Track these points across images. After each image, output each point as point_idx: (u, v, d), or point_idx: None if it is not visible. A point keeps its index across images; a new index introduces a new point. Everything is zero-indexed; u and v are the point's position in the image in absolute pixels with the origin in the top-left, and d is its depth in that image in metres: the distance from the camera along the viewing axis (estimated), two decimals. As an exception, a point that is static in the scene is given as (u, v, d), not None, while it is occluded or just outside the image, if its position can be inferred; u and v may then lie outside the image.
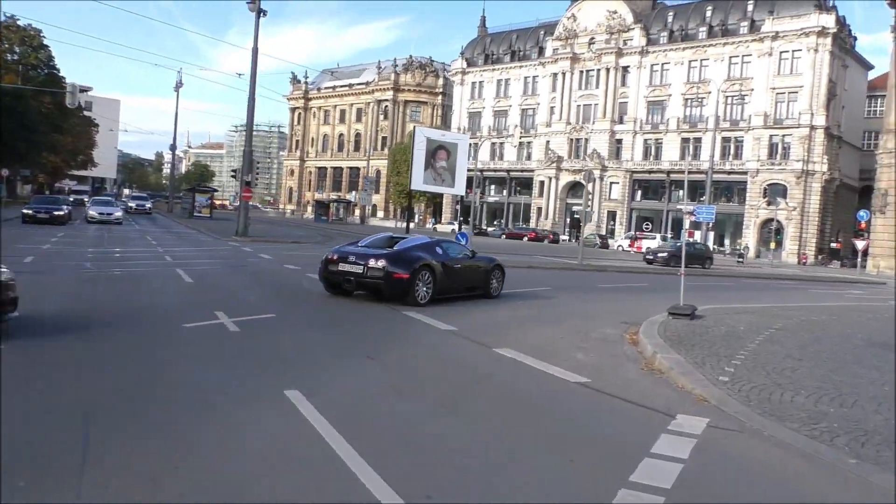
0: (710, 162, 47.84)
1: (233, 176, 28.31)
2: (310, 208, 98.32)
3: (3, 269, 7.09)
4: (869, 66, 69.27)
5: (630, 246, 52.73)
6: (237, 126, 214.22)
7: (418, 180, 57.82)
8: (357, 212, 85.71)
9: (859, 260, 40.89)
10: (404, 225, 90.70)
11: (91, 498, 3.57)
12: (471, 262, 13.54)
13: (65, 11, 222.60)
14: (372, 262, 11.54)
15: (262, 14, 29.34)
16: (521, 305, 13.43)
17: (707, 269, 33.30)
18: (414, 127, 62.98)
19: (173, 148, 60.23)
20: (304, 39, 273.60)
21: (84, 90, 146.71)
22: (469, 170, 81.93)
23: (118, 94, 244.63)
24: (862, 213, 40.65)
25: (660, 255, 30.86)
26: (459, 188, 56.29)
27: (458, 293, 12.97)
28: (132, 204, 51.23)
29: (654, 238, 55.41)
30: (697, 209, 48.60)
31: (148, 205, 51.46)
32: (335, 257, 12.07)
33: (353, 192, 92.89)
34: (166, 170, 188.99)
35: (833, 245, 60.92)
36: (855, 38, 65.45)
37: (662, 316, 11.78)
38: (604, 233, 66.63)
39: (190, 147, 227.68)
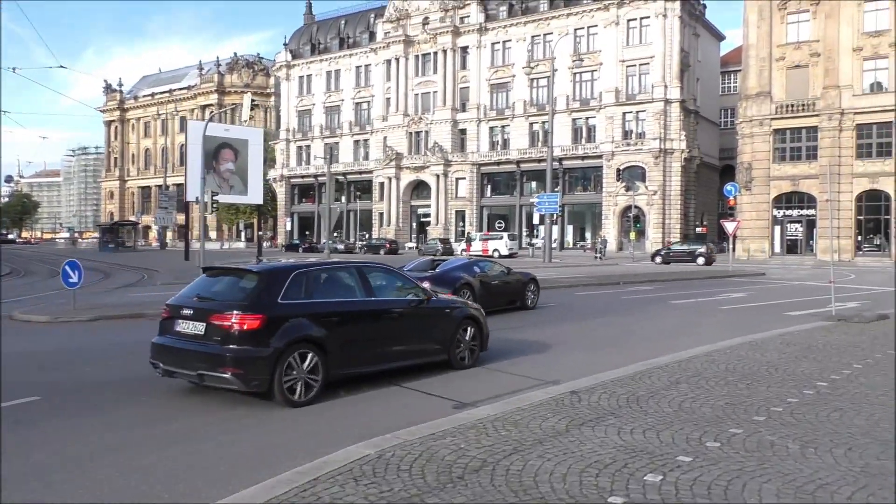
0: (550, 142, 39.68)
1: None
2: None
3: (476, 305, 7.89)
4: (721, 37, 64.57)
5: (466, 251, 43.12)
6: (74, 150, 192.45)
7: (194, 188, 46.53)
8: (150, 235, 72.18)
9: (730, 245, 33.58)
10: (239, 246, 78.45)
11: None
12: (507, 278, 14.71)
13: None
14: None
15: None
16: None
17: None
18: (185, 121, 52.06)
19: None
20: (174, 56, 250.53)
21: None
22: (305, 175, 71.61)
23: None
24: (729, 186, 33.45)
25: None
26: (255, 195, 45.28)
27: (500, 307, 13.63)
28: None
29: (502, 238, 46.76)
30: (538, 199, 40.44)
31: None
32: None
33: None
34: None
35: (698, 230, 54.70)
36: (704, 6, 60.23)
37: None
38: (451, 236, 57.64)
39: (22, 177, 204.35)
